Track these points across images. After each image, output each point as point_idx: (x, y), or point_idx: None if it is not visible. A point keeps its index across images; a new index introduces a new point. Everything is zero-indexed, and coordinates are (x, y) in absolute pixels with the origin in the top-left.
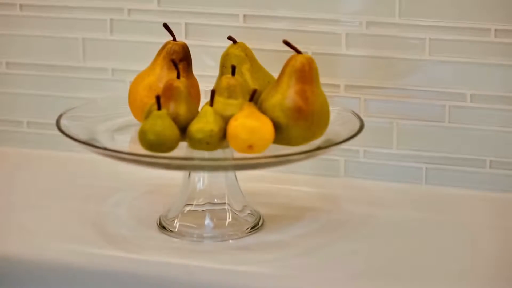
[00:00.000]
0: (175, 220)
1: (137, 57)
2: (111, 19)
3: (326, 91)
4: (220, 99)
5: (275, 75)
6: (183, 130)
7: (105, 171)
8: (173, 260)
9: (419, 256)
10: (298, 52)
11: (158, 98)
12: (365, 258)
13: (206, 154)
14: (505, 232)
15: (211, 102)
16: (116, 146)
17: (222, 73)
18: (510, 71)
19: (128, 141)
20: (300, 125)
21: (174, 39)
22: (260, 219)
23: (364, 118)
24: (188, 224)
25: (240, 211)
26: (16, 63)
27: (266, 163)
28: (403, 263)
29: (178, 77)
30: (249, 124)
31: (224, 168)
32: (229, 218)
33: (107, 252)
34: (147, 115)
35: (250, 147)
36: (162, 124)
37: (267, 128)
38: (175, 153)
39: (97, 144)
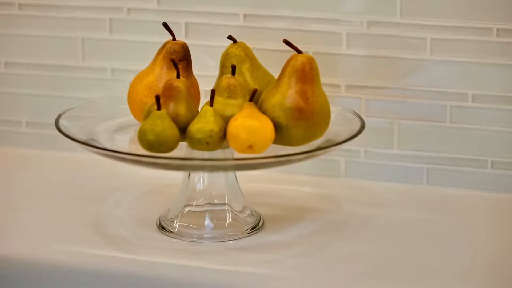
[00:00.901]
0: (174, 220)
1: (136, 57)
2: (111, 19)
3: (327, 91)
4: (220, 99)
5: (276, 75)
6: (183, 130)
7: (104, 171)
8: (173, 261)
9: (420, 257)
10: (298, 51)
11: (157, 98)
12: (366, 258)
13: (206, 154)
14: (506, 233)
15: (211, 102)
16: (115, 146)
17: (222, 72)
18: None
19: (127, 141)
20: (301, 125)
21: (174, 38)
22: (260, 219)
23: (365, 118)
24: (188, 224)
25: (240, 212)
26: (15, 63)
27: (266, 163)
28: (404, 263)
29: (178, 76)
30: (249, 124)
31: (224, 168)
32: (229, 218)
33: (106, 252)
34: (147, 115)
35: (250, 147)
36: (162, 124)
37: (267, 128)
38: (174, 153)
39: (96, 144)
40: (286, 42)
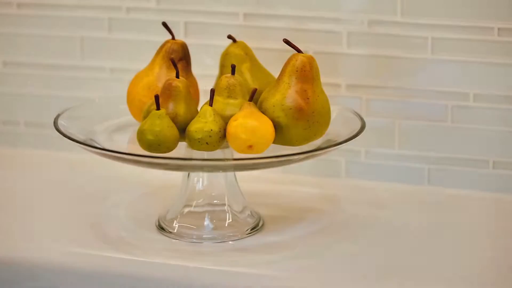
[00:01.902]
0: (174, 221)
1: (135, 56)
2: (110, 18)
3: (327, 90)
4: (219, 98)
5: (276, 74)
6: (182, 130)
7: (103, 172)
8: (172, 262)
9: (420, 257)
10: (298, 51)
11: (157, 97)
12: (366, 259)
13: (205, 154)
14: (507, 233)
15: (211, 102)
16: (114, 146)
17: (221, 72)
18: None
19: (126, 141)
20: (301, 125)
21: (173, 38)
22: (260, 220)
23: (365, 118)
24: (187, 225)
25: (240, 212)
26: (13, 62)
27: (266, 164)
28: (405, 264)
29: (177, 76)
30: (249, 124)
31: (224, 168)
32: (228, 219)
33: (105, 253)
34: (146, 114)
35: (250, 147)
36: (161, 124)
37: (267, 128)
38: (174, 153)
39: (95, 145)
40: (286, 42)
